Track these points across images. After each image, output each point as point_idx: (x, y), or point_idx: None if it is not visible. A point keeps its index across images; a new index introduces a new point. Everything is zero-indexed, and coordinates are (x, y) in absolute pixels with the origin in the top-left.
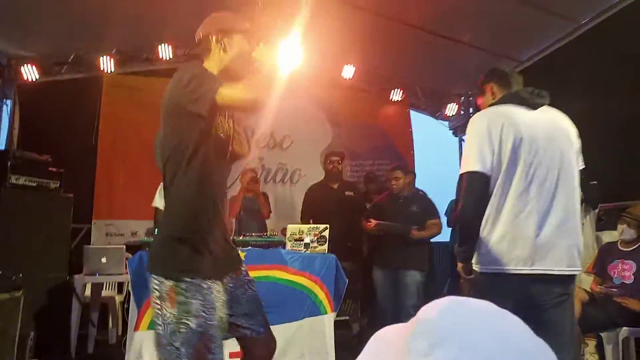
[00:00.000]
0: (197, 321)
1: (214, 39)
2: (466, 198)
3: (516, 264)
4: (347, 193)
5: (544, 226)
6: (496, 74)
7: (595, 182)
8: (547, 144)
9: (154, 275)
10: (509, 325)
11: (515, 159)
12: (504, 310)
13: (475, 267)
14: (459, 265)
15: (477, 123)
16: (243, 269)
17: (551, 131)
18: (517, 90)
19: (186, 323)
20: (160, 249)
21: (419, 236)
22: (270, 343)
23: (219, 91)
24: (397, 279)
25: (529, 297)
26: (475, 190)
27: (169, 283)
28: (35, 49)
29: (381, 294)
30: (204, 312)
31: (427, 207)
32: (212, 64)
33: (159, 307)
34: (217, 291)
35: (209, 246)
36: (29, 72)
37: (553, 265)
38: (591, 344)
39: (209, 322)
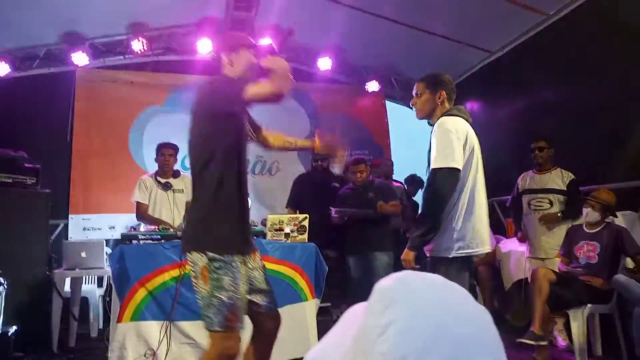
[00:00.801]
0: (227, 294)
1: (224, 57)
2: (445, 191)
3: (478, 246)
4: (333, 184)
5: (484, 217)
6: (448, 85)
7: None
8: (478, 152)
9: (188, 255)
10: (454, 293)
11: (468, 163)
12: (452, 282)
13: (444, 253)
14: (411, 253)
15: (451, 126)
16: (258, 252)
17: (477, 143)
18: (461, 107)
19: (218, 297)
20: (192, 229)
21: (384, 209)
22: (278, 318)
23: (245, 89)
24: (366, 263)
25: (470, 272)
26: (453, 185)
27: (201, 262)
28: (5, 44)
29: (354, 280)
30: (232, 286)
31: (384, 192)
32: (227, 74)
33: (195, 284)
34: (242, 269)
35: (239, 228)
36: None
37: (487, 245)
38: (559, 321)
39: (237, 296)
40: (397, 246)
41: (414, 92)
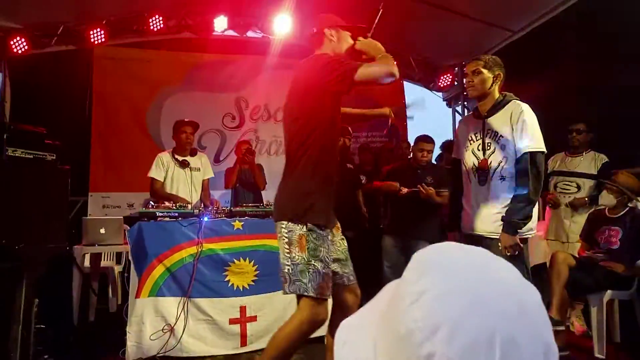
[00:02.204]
0: (322, 264)
1: (328, 32)
2: (541, 176)
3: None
4: (348, 165)
5: None
6: (503, 67)
7: None
8: None
9: (283, 223)
10: (500, 268)
11: None
12: (499, 257)
13: (525, 234)
14: (516, 238)
15: (532, 112)
16: (338, 224)
17: None
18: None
19: (314, 265)
20: (291, 200)
21: (438, 201)
22: (357, 290)
23: (356, 69)
24: (407, 248)
25: None
26: (544, 169)
27: (300, 231)
28: (24, 21)
29: (389, 262)
30: (327, 257)
31: (442, 179)
32: (326, 52)
33: (287, 250)
34: (332, 241)
35: (332, 201)
36: (18, 45)
37: None
38: (577, 307)
39: (329, 266)
40: (440, 237)
41: (469, 70)
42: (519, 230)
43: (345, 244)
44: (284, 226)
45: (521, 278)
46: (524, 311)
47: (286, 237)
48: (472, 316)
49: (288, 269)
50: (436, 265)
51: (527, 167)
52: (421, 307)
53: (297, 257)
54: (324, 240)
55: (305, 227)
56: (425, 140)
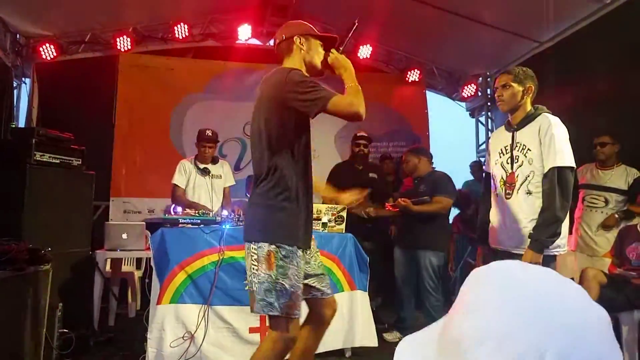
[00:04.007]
0: (290, 283)
1: (298, 40)
2: (569, 192)
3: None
4: (370, 175)
5: None
6: (535, 80)
7: None
8: None
9: (253, 242)
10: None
11: None
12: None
13: (554, 250)
14: (540, 256)
15: (563, 126)
16: (315, 240)
17: None
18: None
19: (282, 284)
20: (259, 218)
21: (417, 210)
22: (334, 304)
23: (329, 99)
24: (414, 259)
25: None
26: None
27: (269, 248)
28: (53, 28)
29: (398, 273)
30: (296, 276)
31: (435, 185)
32: (294, 62)
33: (255, 268)
34: (303, 258)
35: (304, 217)
36: (47, 51)
37: None
38: None
39: (299, 284)
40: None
41: (499, 84)
42: (546, 248)
43: (320, 259)
44: (253, 244)
45: (587, 298)
46: (584, 330)
47: (255, 254)
48: (523, 331)
49: (255, 288)
50: (492, 279)
51: (555, 183)
52: (474, 318)
53: (263, 275)
54: (294, 258)
55: (274, 245)
56: (407, 151)
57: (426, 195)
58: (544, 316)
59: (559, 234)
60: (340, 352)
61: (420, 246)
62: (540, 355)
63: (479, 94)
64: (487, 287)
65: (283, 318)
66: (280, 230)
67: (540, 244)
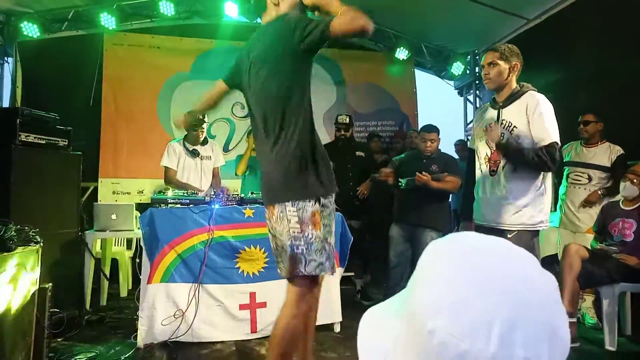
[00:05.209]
0: (333, 240)
1: None
2: (556, 167)
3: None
4: (357, 153)
5: None
6: (520, 57)
7: None
8: None
9: (291, 203)
10: (514, 253)
11: None
12: (516, 246)
13: (538, 226)
14: (499, 142)
15: (549, 103)
16: None
17: None
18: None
19: (329, 242)
20: (294, 177)
21: (437, 187)
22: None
23: (330, 23)
24: (413, 236)
25: None
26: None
27: (312, 208)
28: (34, 4)
29: (394, 250)
30: (333, 230)
31: (447, 165)
32: (268, 19)
33: (298, 230)
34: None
35: (330, 169)
36: (29, 29)
37: None
38: (588, 299)
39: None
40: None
41: (485, 62)
42: (507, 153)
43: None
44: (290, 205)
45: (537, 267)
46: (532, 297)
47: (295, 216)
48: (474, 301)
49: (302, 249)
50: (449, 252)
51: (545, 155)
52: (431, 292)
53: (311, 235)
54: (332, 212)
55: (317, 203)
56: (427, 130)
57: (439, 174)
58: (494, 286)
59: (531, 163)
60: (329, 327)
61: (423, 224)
62: (489, 324)
63: (467, 72)
64: (443, 258)
65: (311, 279)
66: (320, 185)
67: (507, 147)
